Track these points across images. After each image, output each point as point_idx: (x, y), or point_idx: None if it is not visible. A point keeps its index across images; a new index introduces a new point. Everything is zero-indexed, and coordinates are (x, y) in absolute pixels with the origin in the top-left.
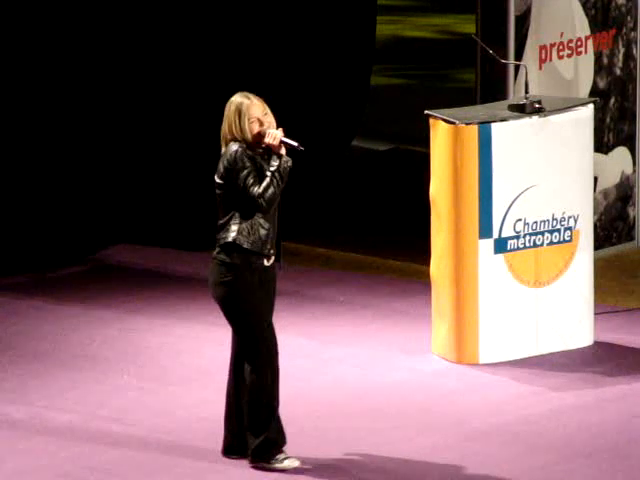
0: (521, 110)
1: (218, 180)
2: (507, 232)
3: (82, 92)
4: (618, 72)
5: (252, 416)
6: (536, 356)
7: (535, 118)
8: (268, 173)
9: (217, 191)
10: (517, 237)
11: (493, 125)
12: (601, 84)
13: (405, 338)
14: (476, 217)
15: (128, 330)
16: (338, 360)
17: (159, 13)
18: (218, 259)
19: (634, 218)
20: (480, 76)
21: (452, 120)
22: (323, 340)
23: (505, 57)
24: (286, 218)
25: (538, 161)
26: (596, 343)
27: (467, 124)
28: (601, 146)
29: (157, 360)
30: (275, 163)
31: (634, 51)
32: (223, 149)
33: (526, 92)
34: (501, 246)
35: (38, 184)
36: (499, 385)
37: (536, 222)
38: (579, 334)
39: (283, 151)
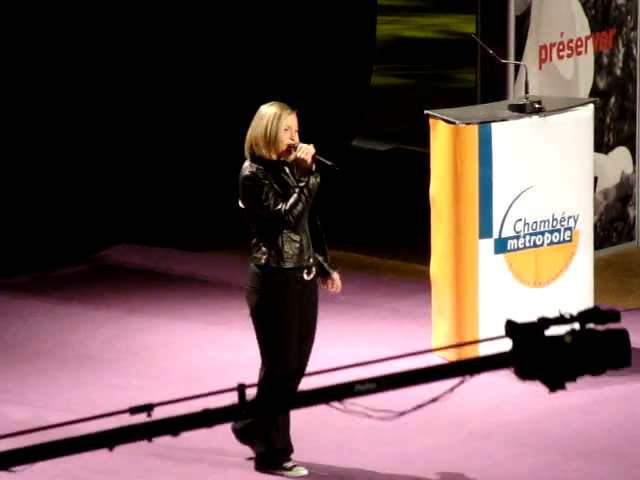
0: (521, 110)
1: (241, 205)
2: (507, 232)
3: (84, 92)
4: (618, 72)
5: (256, 427)
6: None
7: (535, 118)
8: (297, 189)
9: (244, 214)
10: (517, 237)
11: (493, 125)
12: (601, 84)
13: (405, 338)
14: (476, 217)
15: (128, 330)
16: (338, 360)
17: (163, 14)
18: (255, 271)
19: (634, 218)
20: (480, 76)
21: (452, 120)
22: (323, 340)
23: (505, 57)
24: None
25: (538, 161)
26: None
27: (467, 124)
28: (601, 146)
29: (157, 360)
30: (305, 179)
31: (634, 51)
32: (247, 155)
33: (526, 92)
34: (501, 246)
35: (38, 184)
36: (499, 385)
37: (536, 222)
38: None
39: (313, 167)
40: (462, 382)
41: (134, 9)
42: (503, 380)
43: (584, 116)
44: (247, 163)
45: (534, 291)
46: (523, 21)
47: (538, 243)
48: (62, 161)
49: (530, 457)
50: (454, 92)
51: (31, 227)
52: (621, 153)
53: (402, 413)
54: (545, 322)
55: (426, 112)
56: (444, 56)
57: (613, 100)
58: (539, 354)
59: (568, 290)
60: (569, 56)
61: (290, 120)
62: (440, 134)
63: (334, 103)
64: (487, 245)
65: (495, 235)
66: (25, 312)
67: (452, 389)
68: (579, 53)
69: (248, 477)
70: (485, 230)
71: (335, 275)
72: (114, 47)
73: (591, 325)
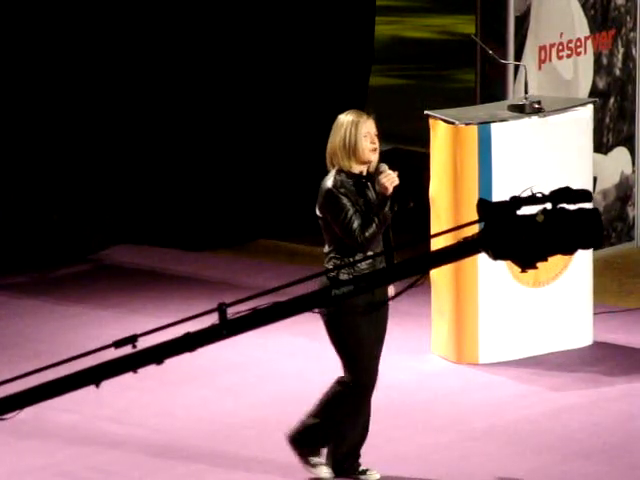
0: (521, 110)
1: (318, 213)
2: None
3: (85, 93)
4: (617, 72)
5: (314, 422)
6: (536, 356)
7: (535, 118)
8: (373, 216)
9: (319, 221)
10: None
11: (493, 125)
12: (600, 84)
13: (405, 338)
14: (476, 217)
15: (128, 330)
16: (339, 360)
17: (166, 14)
18: (325, 283)
19: (633, 218)
20: (480, 76)
21: (452, 120)
22: (323, 340)
23: (505, 57)
24: (286, 218)
25: (538, 161)
26: (595, 343)
27: (467, 124)
28: (600, 146)
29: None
30: (380, 205)
31: (633, 51)
32: (330, 168)
33: (526, 92)
34: None
35: (38, 183)
36: (499, 385)
37: None
38: (578, 334)
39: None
40: (427, 272)
41: (140, 8)
42: (503, 380)
43: (583, 116)
44: (331, 173)
45: (533, 291)
46: (522, 21)
47: None
48: (63, 161)
49: (529, 457)
50: (454, 92)
51: (31, 227)
52: (620, 153)
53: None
54: (517, 201)
55: (426, 112)
56: (444, 57)
57: (612, 100)
58: (511, 233)
59: (567, 290)
60: (568, 56)
61: (369, 125)
62: (440, 134)
63: (333, 104)
64: None
65: None
66: (25, 312)
67: (427, 273)
68: (578, 53)
69: (247, 477)
70: None
71: (391, 288)
72: (115, 49)
73: (563, 205)
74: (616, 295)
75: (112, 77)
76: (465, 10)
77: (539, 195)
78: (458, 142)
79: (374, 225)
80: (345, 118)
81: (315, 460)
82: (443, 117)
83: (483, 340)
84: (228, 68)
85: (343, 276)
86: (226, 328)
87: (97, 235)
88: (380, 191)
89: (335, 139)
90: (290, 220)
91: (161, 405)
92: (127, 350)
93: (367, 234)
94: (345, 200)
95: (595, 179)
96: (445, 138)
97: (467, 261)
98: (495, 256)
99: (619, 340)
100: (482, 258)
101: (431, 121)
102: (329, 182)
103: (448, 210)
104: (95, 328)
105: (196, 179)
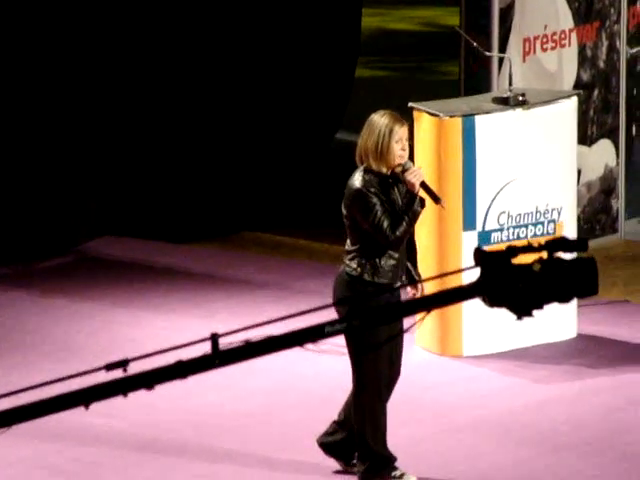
0: (505, 102)
1: (344, 211)
2: (491, 225)
3: (72, 84)
4: (602, 65)
5: (359, 443)
6: (520, 348)
7: (519, 110)
8: (403, 214)
9: (344, 220)
10: (501, 230)
11: (477, 117)
12: (585, 77)
13: None
14: (460, 210)
15: (112, 322)
16: (324, 351)
17: (152, 11)
18: (346, 279)
19: (617, 210)
20: (464, 69)
21: (436, 113)
22: None
23: (489, 50)
24: (270, 210)
25: (522, 153)
26: (579, 335)
27: (451, 116)
28: (584, 139)
29: (141, 352)
30: (409, 203)
31: (617, 44)
32: (359, 164)
33: (510, 85)
34: (485, 239)
35: (22, 175)
36: (483, 377)
37: (520, 215)
38: (562, 326)
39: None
40: (428, 313)
41: (135, 7)
42: (487, 372)
43: (568, 108)
44: (359, 173)
45: None
46: (507, 14)
47: (522, 235)
48: (47, 153)
49: (515, 449)
50: (438, 85)
51: (15, 218)
52: (604, 146)
53: (376, 346)
54: (513, 250)
55: (410, 104)
56: (428, 49)
57: (596, 93)
58: (507, 282)
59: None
60: (553, 49)
61: (402, 132)
62: (424, 127)
63: (318, 95)
64: (471, 237)
65: (479, 228)
66: (8, 304)
67: (423, 318)
68: (563, 46)
69: (233, 468)
70: (469, 223)
71: (420, 284)
72: (108, 48)
73: (559, 254)
74: (600, 287)
75: (101, 71)
76: (450, 2)
77: (535, 244)
78: (442, 134)
79: (404, 223)
80: (380, 120)
81: (396, 473)
82: (427, 109)
83: (467, 332)
84: (213, 61)
85: (366, 277)
86: (219, 358)
87: (80, 227)
88: (408, 188)
89: (368, 140)
90: (274, 212)
91: (145, 398)
92: (118, 372)
93: (398, 232)
94: (375, 199)
95: (579, 171)
96: (429, 130)
97: (450, 253)
98: (491, 303)
99: (603, 332)
100: (465, 250)
101: (415, 113)
102: (358, 182)
103: (432, 202)
104: (79, 320)
105: (180, 172)
